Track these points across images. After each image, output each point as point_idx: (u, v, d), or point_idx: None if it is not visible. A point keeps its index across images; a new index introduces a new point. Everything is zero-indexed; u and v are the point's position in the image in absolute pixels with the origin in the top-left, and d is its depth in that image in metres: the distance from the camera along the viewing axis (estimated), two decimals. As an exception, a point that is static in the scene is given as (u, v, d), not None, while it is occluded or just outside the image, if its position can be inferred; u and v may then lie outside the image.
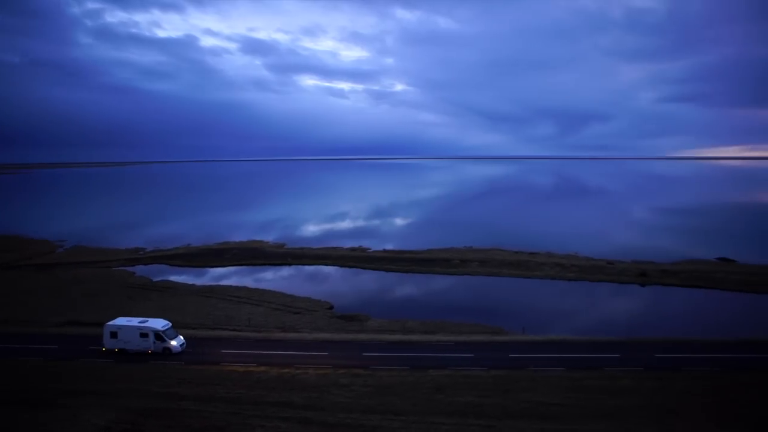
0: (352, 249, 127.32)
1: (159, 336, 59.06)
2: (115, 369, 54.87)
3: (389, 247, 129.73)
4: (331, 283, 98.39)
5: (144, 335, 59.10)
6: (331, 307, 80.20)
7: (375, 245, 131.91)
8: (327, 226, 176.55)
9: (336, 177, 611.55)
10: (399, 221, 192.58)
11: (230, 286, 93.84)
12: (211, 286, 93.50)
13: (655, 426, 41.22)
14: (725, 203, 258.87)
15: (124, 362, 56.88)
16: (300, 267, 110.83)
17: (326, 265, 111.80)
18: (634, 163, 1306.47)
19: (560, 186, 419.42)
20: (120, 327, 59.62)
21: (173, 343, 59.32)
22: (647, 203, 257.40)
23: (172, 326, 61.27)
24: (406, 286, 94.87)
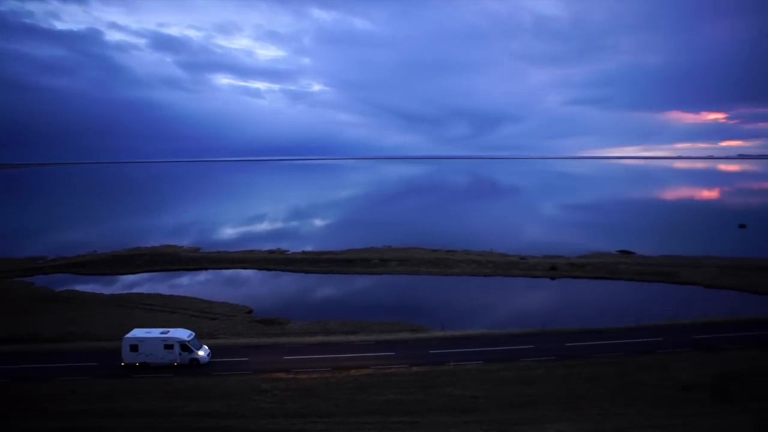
0: (271, 251, 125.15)
1: (185, 347, 55.72)
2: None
3: (308, 248, 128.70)
4: (249, 286, 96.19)
5: (169, 347, 55.63)
6: (250, 312, 78.43)
7: (294, 247, 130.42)
8: (244, 229, 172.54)
9: (253, 178, 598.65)
10: (318, 222, 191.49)
11: (143, 293, 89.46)
12: (122, 295, 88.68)
13: (566, 411, 43.38)
14: (625, 199, 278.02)
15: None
16: (217, 271, 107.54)
17: (244, 268, 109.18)
18: (543, 163, 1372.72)
19: (475, 185, 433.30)
20: (141, 339, 55.48)
21: (200, 353, 56.19)
22: (556, 201, 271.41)
23: (195, 336, 57.93)
24: (326, 288, 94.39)
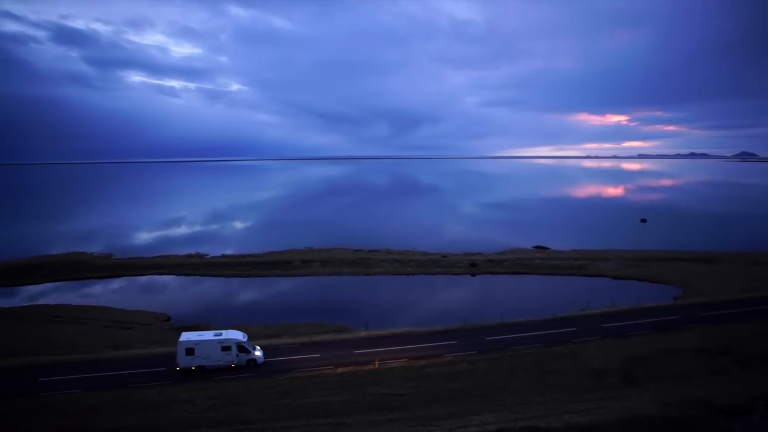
0: (189, 256, 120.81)
1: (242, 348, 54.89)
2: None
3: (229, 252, 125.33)
4: (167, 293, 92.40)
5: (226, 348, 54.51)
6: (168, 319, 75.37)
7: (213, 251, 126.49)
8: (160, 234, 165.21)
9: (169, 181, 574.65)
10: (238, 225, 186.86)
11: (48, 305, 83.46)
12: (24, 307, 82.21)
13: (489, 403, 44.83)
14: (539, 197, 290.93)
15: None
16: (132, 278, 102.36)
17: (161, 274, 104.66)
18: (461, 162, 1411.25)
19: (396, 185, 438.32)
20: (197, 342, 53.92)
21: (257, 353, 55.57)
22: (474, 199, 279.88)
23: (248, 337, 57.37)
24: (248, 291, 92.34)
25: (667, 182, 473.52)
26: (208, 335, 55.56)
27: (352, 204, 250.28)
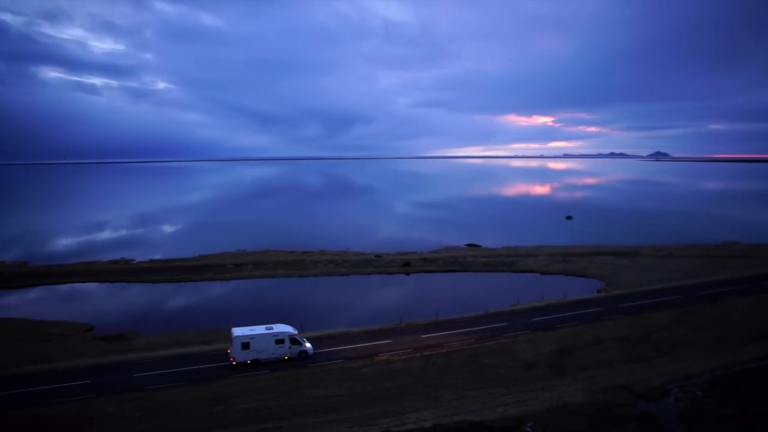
0: (113, 262, 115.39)
1: (295, 340, 57.51)
2: None
3: (157, 256, 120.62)
4: (89, 302, 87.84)
5: (280, 341, 56.91)
6: (91, 329, 71.54)
7: (140, 256, 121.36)
8: (81, 239, 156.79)
9: (91, 183, 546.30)
10: (167, 228, 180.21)
11: (-45, 318, 77.51)
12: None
13: (425, 400, 45.39)
14: (470, 196, 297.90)
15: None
16: (51, 287, 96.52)
17: (83, 282, 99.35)
18: (395, 162, 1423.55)
19: (330, 185, 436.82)
20: (252, 337, 56.09)
21: (307, 345, 58.13)
22: (407, 199, 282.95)
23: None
24: (178, 297, 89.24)
25: (590, 180, 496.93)
26: (261, 329, 57.53)
27: (285, 205, 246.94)
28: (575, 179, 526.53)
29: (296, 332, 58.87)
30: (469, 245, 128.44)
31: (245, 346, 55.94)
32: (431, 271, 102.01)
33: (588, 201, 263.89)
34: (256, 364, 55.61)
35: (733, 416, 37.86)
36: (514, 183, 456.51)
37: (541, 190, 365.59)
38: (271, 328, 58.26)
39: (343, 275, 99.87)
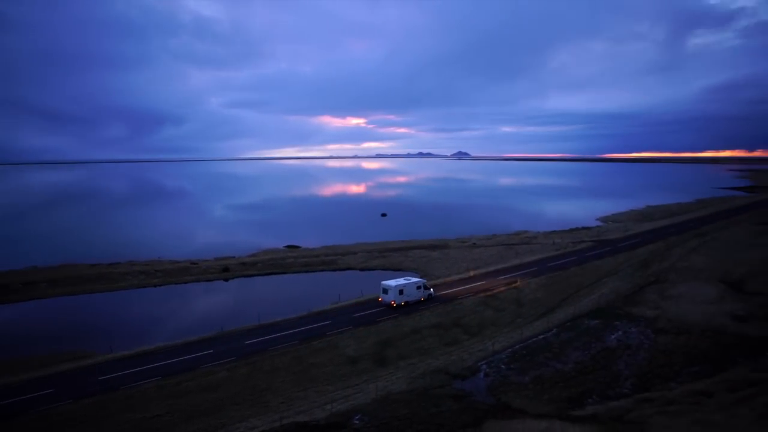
0: None
1: (426, 287, 74.84)
2: None
3: None
4: None
5: (419, 288, 73.24)
6: None
7: None
8: None
9: None
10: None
11: None
12: None
13: (253, 407, 44.39)
14: (288, 197, 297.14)
15: None
16: None
17: None
18: (208, 164, 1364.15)
19: (137, 190, 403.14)
20: (405, 285, 71.74)
21: (431, 290, 75.30)
22: (223, 202, 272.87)
23: None
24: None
25: (401, 179, 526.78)
26: (401, 281, 73.12)
27: (84, 214, 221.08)
28: (388, 178, 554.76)
29: (425, 281, 76.88)
30: (288, 246, 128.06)
31: (401, 292, 71.28)
32: (251, 275, 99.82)
33: (400, 199, 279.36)
34: (407, 305, 71.07)
35: (530, 382, 42.99)
36: (331, 183, 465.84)
37: (356, 189, 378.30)
38: (410, 280, 74.13)
39: (156, 286, 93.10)
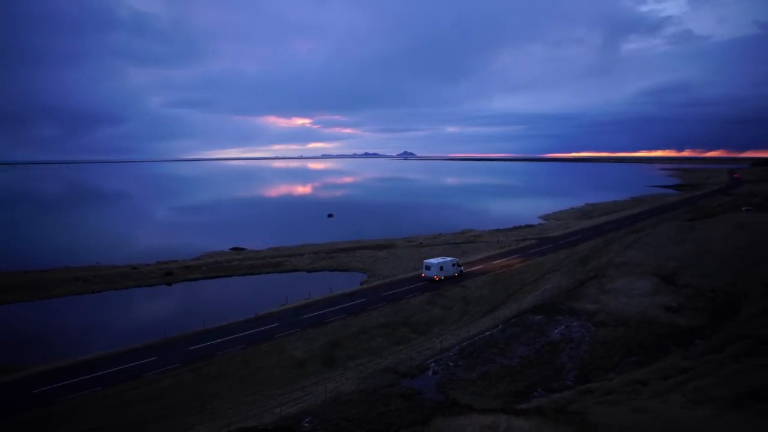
0: None
1: (459, 264, 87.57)
2: None
3: None
4: None
5: (454, 265, 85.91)
6: None
7: None
8: None
9: None
10: None
11: None
12: None
13: (199, 414, 43.38)
14: (232, 199, 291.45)
15: None
16: None
17: None
18: (148, 166, 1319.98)
19: (70, 193, 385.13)
20: (444, 262, 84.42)
21: (462, 267, 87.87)
22: (164, 204, 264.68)
23: None
24: None
25: (347, 179, 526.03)
26: (439, 260, 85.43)
27: (14, 218, 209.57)
28: (334, 179, 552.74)
29: (458, 260, 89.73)
30: (233, 249, 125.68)
31: (441, 268, 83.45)
32: (196, 279, 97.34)
33: (347, 199, 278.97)
34: (446, 279, 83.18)
35: (477, 378, 43.84)
36: (277, 184, 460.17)
37: (302, 190, 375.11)
38: (446, 259, 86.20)
39: (95, 292, 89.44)
